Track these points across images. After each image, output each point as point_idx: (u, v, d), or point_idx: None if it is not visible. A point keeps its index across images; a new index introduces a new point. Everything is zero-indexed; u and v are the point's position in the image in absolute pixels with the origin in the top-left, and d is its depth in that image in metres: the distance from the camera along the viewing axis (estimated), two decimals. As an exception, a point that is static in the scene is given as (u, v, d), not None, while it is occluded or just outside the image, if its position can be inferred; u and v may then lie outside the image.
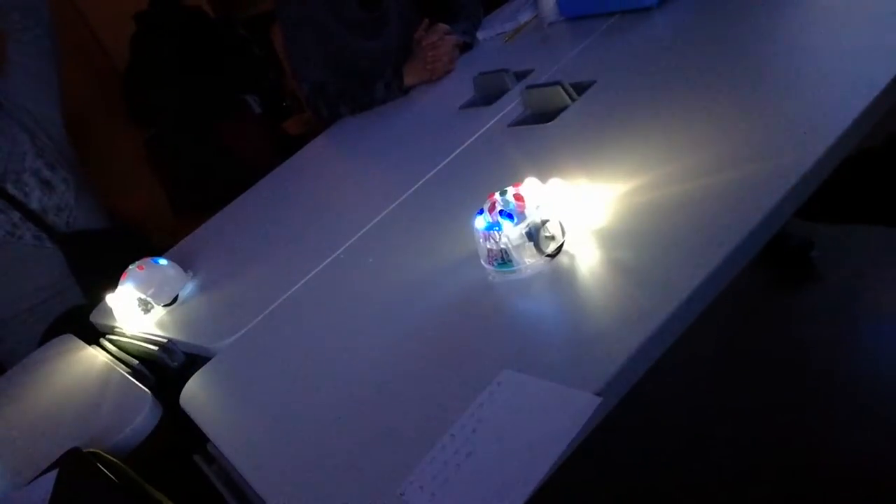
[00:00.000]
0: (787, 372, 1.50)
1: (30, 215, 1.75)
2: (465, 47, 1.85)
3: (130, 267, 1.28)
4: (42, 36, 1.85)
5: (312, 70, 1.85)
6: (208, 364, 1.02)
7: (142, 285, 1.26)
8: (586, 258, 0.75)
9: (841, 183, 1.12)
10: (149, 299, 1.26)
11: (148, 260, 1.29)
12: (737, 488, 1.32)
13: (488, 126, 1.27)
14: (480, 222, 0.78)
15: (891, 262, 1.61)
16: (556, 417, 0.57)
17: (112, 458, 0.86)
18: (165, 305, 1.27)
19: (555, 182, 0.81)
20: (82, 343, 1.36)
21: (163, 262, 1.30)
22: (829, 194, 1.13)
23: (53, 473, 0.85)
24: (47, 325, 1.75)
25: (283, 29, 1.91)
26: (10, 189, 1.75)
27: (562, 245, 0.77)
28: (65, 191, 1.82)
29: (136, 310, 1.27)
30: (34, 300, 1.78)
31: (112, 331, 1.35)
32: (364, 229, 1.14)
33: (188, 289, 1.31)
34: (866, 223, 1.56)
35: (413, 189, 1.18)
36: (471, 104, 1.45)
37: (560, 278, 0.75)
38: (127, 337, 1.28)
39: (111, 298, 1.28)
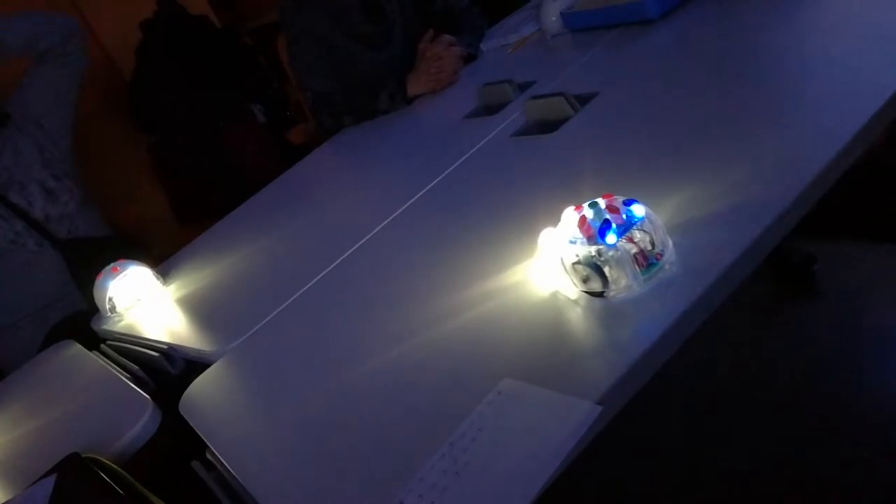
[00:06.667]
0: (790, 387, 1.50)
1: (33, 224, 1.76)
2: (469, 58, 1.86)
3: (106, 268, 1.36)
4: (79, 57, 1.88)
5: (316, 80, 1.86)
6: (208, 370, 1.02)
7: (114, 285, 1.35)
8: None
9: (843, 199, 1.12)
10: (117, 299, 1.35)
11: (122, 262, 1.37)
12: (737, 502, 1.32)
13: (491, 136, 1.27)
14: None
15: (894, 275, 1.61)
16: (556, 426, 0.57)
17: (111, 464, 0.86)
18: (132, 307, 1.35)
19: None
20: (83, 349, 1.36)
21: (134, 265, 1.37)
22: (830, 210, 1.12)
23: (52, 478, 0.84)
24: (48, 331, 1.75)
25: (288, 39, 1.92)
26: (14, 198, 1.76)
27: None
28: (68, 201, 1.83)
29: (106, 308, 1.36)
30: (35, 306, 1.78)
31: (112, 337, 1.35)
32: (366, 238, 1.14)
33: (158, 293, 1.37)
34: (869, 239, 1.55)
35: (416, 197, 1.19)
36: (474, 114, 1.45)
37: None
38: (127, 343, 1.28)
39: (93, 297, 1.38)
